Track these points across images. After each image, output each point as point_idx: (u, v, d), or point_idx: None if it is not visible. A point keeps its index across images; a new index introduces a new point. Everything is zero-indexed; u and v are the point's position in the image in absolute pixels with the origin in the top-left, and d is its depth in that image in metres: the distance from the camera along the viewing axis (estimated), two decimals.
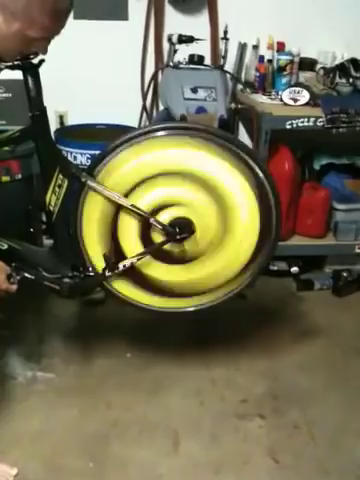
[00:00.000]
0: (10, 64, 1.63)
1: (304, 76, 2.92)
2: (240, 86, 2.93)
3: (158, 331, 2.39)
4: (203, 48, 2.73)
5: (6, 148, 2.25)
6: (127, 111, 2.92)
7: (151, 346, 2.35)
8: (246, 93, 2.85)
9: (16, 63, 1.64)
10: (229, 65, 2.86)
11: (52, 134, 2.67)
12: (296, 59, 2.89)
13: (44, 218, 1.99)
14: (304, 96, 2.61)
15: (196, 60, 2.57)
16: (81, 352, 2.31)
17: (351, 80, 2.69)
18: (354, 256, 2.93)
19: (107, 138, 1.94)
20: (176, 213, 1.90)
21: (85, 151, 2.62)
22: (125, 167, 1.84)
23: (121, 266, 1.90)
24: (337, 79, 2.70)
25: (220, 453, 1.87)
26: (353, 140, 2.81)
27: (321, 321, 2.62)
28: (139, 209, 1.84)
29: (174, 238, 1.88)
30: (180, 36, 2.63)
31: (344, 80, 2.69)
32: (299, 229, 2.88)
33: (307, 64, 2.95)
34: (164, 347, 2.35)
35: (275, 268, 2.89)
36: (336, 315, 2.69)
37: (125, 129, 2.68)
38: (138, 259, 1.90)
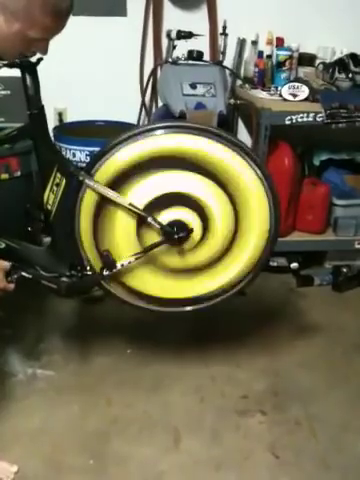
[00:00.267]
0: (8, 62, 1.63)
1: (303, 71, 2.92)
2: (239, 82, 2.93)
3: (158, 328, 2.39)
4: (202, 44, 2.71)
5: (6, 146, 2.25)
6: (126, 107, 2.91)
7: (151, 343, 2.35)
8: (245, 89, 2.84)
9: (14, 61, 1.63)
10: (228, 61, 2.86)
11: (51, 131, 2.68)
12: (295, 54, 2.89)
13: (42, 217, 1.98)
14: (303, 91, 2.60)
15: (195, 56, 2.56)
16: (81, 349, 2.31)
17: (350, 75, 2.68)
18: (354, 252, 2.93)
19: (106, 135, 1.94)
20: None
21: (84, 148, 2.61)
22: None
23: (119, 265, 1.89)
24: (336, 74, 2.69)
25: (221, 449, 1.87)
26: (352, 135, 2.81)
27: (321, 317, 2.62)
28: (137, 208, 1.84)
29: (172, 238, 1.87)
30: (179, 32, 2.62)
31: (343, 75, 2.69)
32: (299, 225, 2.87)
33: (306, 59, 2.95)
34: (164, 344, 2.35)
35: (275, 264, 2.88)
36: (336, 311, 2.69)
37: (124, 126, 2.69)
38: (136, 258, 1.89)
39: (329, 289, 2.88)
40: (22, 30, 1.49)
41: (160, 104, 2.90)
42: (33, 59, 1.69)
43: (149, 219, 1.85)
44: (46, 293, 1.97)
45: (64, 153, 2.65)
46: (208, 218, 1.89)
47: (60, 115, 3.00)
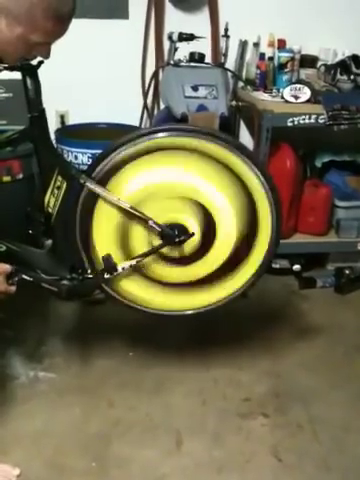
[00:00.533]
0: (9, 65, 1.63)
1: (305, 73, 2.92)
2: (241, 84, 2.93)
3: (160, 330, 2.38)
4: (204, 46, 2.71)
5: (8, 148, 2.25)
6: (128, 110, 2.91)
7: (153, 345, 2.35)
8: (247, 91, 2.85)
9: (15, 64, 1.63)
10: (230, 63, 2.87)
11: (53, 134, 2.69)
12: (297, 56, 2.89)
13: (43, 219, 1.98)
14: (305, 93, 2.60)
15: (197, 58, 2.56)
16: (83, 352, 2.31)
17: (352, 77, 2.68)
18: (356, 253, 2.93)
19: (108, 137, 1.94)
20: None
21: (86, 150, 2.61)
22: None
23: (120, 268, 1.89)
24: (338, 76, 2.69)
25: (223, 452, 1.87)
26: (354, 137, 2.81)
27: (323, 319, 2.61)
28: (139, 211, 1.84)
29: (172, 241, 1.87)
30: (181, 34, 2.63)
31: (345, 77, 2.68)
32: (301, 227, 2.87)
33: (308, 61, 2.95)
34: (166, 346, 2.35)
35: (277, 266, 2.88)
36: (338, 313, 2.69)
37: (126, 128, 2.69)
38: (137, 261, 1.89)
39: (331, 291, 2.88)
40: (24, 34, 1.49)
41: (162, 106, 2.90)
42: (34, 62, 1.69)
43: (150, 222, 1.85)
44: (48, 296, 1.96)
45: (66, 156, 2.65)
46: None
47: (62, 117, 3.01)
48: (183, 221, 1.85)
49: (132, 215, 1.84)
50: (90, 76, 2.90)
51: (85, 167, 2.14)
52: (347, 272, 2.86)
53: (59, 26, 1.54)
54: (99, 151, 1.89)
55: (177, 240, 1.86)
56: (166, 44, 2.85)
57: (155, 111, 3.03)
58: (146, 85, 2.95)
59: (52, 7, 1.48)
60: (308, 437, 1.94)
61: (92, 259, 1.93)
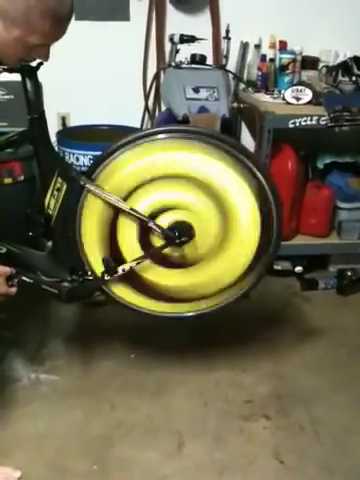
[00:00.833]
0: (8, 67, 1.63)
1: (307, 75, 2.92)
2: (242, 85, 2.93)
3: (161, 332, 2.38)
4: (205, 48, 2.72)
5: (9, 150, 2.25)
6: (129, 112, 2.92)
7: (154, 347, 2.35)
8: (248, 92, 2.85)
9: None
10: (231, 64, 2.87)
11: (54, 136, 2.69)
12: (298, 58, 2.89)
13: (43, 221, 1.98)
14: (307, 95, 2.60)
15: (198, 60, 2.57)
16: (84, 354, 2.31)
17: (354, 78, 2.67)
18: (358, 255, 2.92)
19: (109, 139, 1.94)
20: (176, 217, 1.89)
21: (87, 152, 2.61)
22: (125, 170, 1.83)
23: (120, 270, 1.89)
24: (340, 77, 2.69)
25: (224, 454, 1.86)
26: (356, 138, 2.80)
27: (325, 321, 2.61)
28: (138, 213, 1.84)
29: (173, 242, 1.87)
30: (182, 36, 2.64)
31: (347, 78, 2.68)
32: (303, 228, 2.87)
33: (309, 63, 2.94)
34: (167, 348, 2.35)
35: (279, 268, 2.87)
36: (341, 315, 2.68)
37: (127, 130, 2.69)
38: (137, 263, 1.89)
39: (333, 293, 2.87)
40: (22, 36, 1.49)
41: (163, 108, 2.90)
42: (33, 63, 1.69)
43: (150, 224, 1.85)
44: (49, 298, 1.96)
45: (67, 157, 2.65)
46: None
47: (63, 119, 3.01)
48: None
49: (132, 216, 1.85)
50: (91, 78, 2.90)
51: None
52: (349, 274, 2.86)
53: (57, 28, 1.54)
54: (100, 153, 1.89)
55: (178, 241, 1.86)
56: (167, 46, 2.86)
57: (156, 113, 3.03)
58: (147, 87, 2.96)
59: (50, 9, 1.48)
60: (310, 439, 1.93)
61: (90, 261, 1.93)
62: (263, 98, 2.74)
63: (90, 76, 2.90)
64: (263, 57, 2.89)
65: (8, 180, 2.43)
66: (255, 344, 2.41)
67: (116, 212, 1.87)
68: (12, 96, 2.76)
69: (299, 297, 2.82)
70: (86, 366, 2.25)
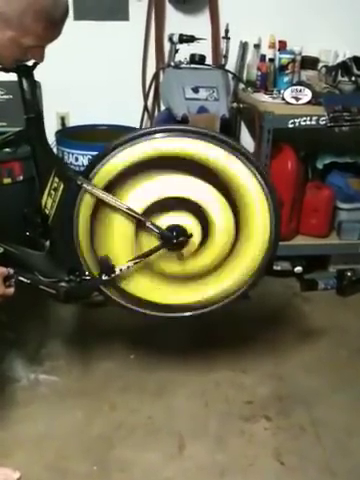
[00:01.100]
0: (3, 67, 1.63)
1: (306, 75, 2.91)
2: (242, 85, 2.93)
3: (161, 333, 2.37)
4: (204, 47, 2.72)
5: (7, 150, 2.24)
6: (128, 112, 2.91)
7: (155, 348, 2.34)
8: (248, 92, 2.84)
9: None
10: (230, 64, 2.87)
11: (53, 135, 2.68)
12: (298, 58, 2.89)
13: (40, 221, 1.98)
14: (306, 95, 2.59)
15: (197, 60, 2.56)
16: (84, 355, 2.30)
17: (353, 78, 2.67)
18: (358, 255, 2.91)
19: (109, 139, 1.93)
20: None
21: (87, 152, 2.60)
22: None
23: (117, 270, 1.88)
24: (339, 77, 2.69)
25: (225, 455, 1.86)
26: (356, 138, 2.80)
27: (325, 321, 2.60)
28: (136, 212, 1.83)
29: (171, 243, 1.86)
30: (181, 36, 2.63)
31: (346, 78, 2.68)
32: (303, 229, 2.86)
33: (309, 62, 2.94)
34: (168, 349, 2.34)
35: (278, 268, 2.87)
36: (341, 315, 2.68)
37: (126, 130, 2.68)
38: (135, 263, 1.88)
39: (333, 293, 2.87)
40: (16, 38, 1.49)
41: (162, 108, 2.90)
42: (29, 63, 1.69)
43: (147, 223, 1.84)
44: (48, 298, 1.96)
45: (66, 157, 2.65)
46: (208, 223, 1.88)
47: (62, 119, 3.00)
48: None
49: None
50: (90, 78, 2.90)
51: None
52: (349, 274, 2.85)
53: (51, 30, 1.53)
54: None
55: (175, 241, 1.85)
56: (166, 46, 2.85)
57: (156, 113, 3.03)
58: (147, 87, 2.95)
59: (44, 11, 1.48)
60: (311, 440, 1.93)
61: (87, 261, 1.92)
62: (262, 98, 2.73)
63: (89, 76, 2.89)
64: (262, 57, 2.89)
65: (7, 180, 2.42)
66: (255, 344, 2.40)
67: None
68: (11, 96, 2.75)
69: (299, 297, 2.82)
70: (86, 367, 2.24)
